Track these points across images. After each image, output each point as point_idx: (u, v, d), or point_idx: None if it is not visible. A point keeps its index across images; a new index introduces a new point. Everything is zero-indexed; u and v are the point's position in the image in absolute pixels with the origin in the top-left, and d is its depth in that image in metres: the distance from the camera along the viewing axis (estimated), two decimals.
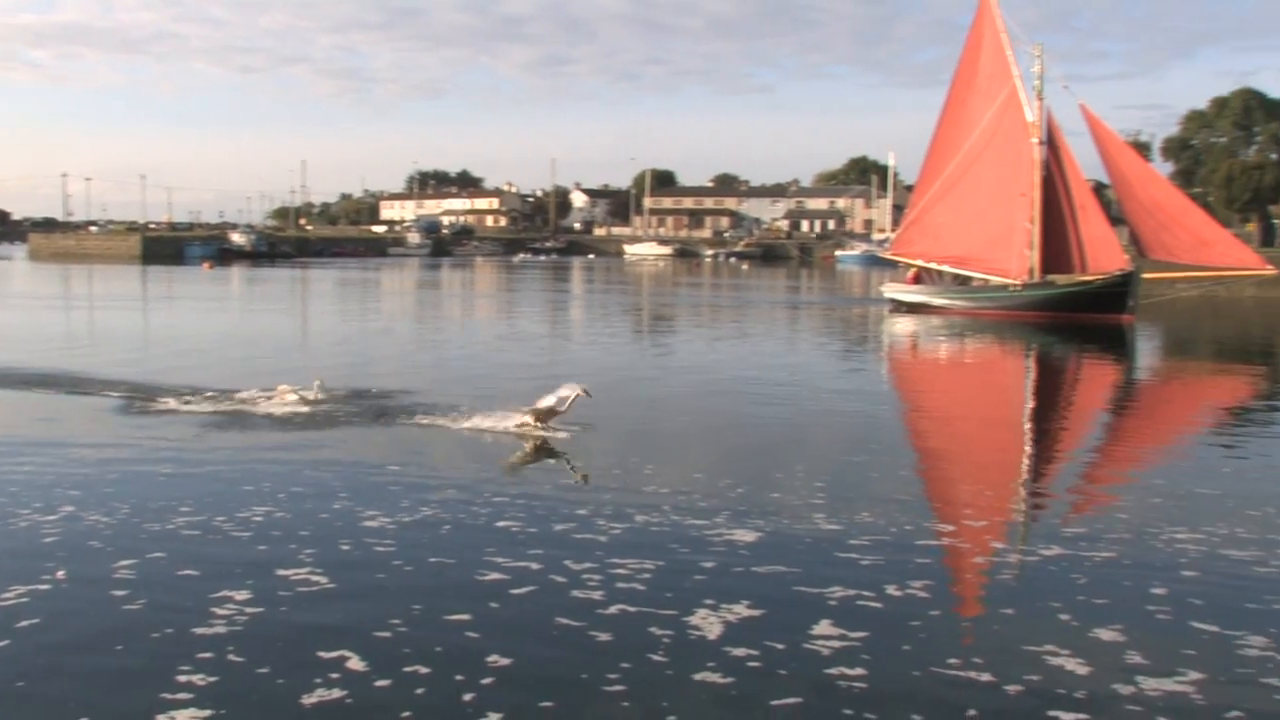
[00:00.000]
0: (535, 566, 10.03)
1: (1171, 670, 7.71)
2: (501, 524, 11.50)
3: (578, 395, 15.42)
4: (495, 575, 9.78)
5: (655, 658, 7.93)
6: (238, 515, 11.66)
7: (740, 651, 8.02)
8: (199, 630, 8.35)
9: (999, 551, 10.99)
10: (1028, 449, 17.28)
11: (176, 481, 13.26)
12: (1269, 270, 43.54)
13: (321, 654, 7.92)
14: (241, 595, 9.11)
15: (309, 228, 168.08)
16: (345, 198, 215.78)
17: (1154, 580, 9.72)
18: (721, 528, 11.37)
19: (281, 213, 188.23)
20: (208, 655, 7.87)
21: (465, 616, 8.72)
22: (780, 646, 8.11)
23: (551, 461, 14.77)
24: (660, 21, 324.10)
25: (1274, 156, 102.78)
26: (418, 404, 18.62)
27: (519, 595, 9.29)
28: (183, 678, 7.48)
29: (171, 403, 18.53)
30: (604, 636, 8.34)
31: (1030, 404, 23.09)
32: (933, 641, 8.32)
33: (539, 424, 15.94)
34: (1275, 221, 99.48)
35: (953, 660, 7.89)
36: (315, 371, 20.31)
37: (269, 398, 18.51)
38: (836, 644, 8.18)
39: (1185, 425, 20.64)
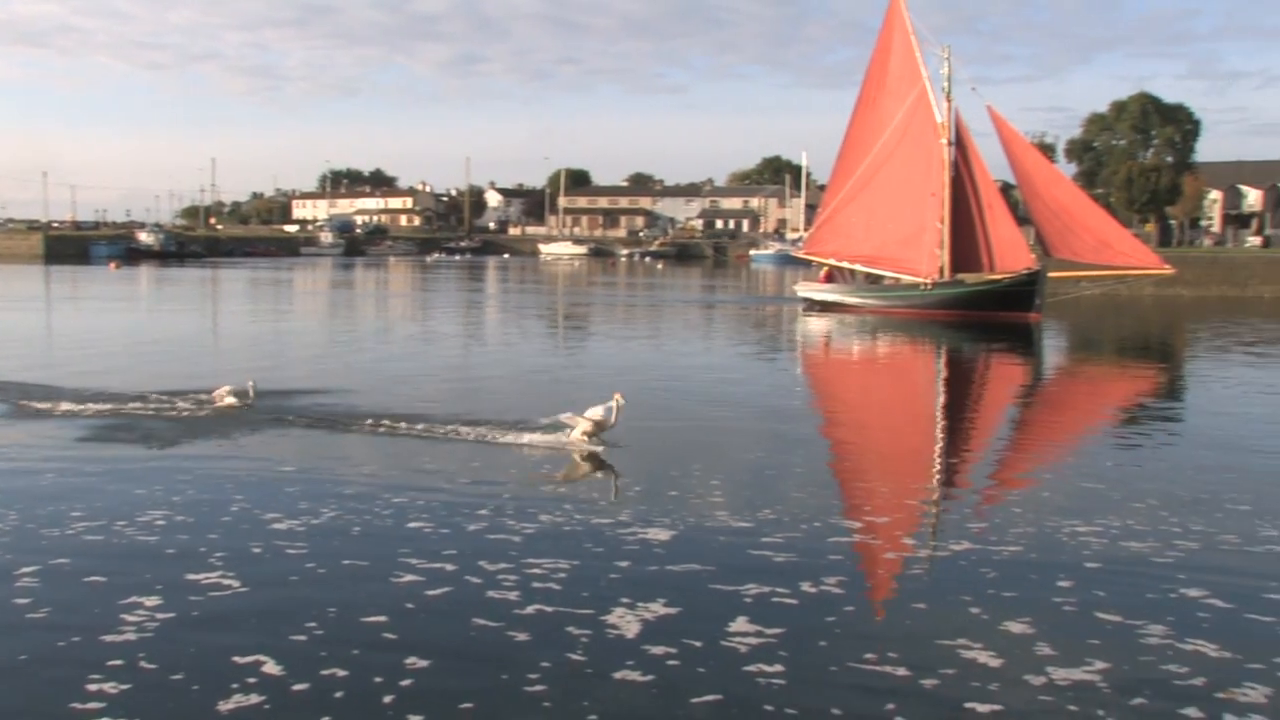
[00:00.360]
0: (450, 568, 9.99)
1: (1079, 660, 7.92)
2: (413, 525, 11.45)
3: (620, 405, 14.91)
4: (410, 577, 9.73)
5: (575, 657, 7.95)
6: (140, 520, 11.46)
7: (659, 649, 8.07)
8: (108, 638, 8.19)
9: (909, 547, 11.18)
10: (937, 446, 17.57)
11: (78, 487, 12.96)
12: (1167, 270, 44.91)
13: (236, 659, 7.81)
14: (151, 601, 8.95)
15: (219, 227, 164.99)
16: (257, 197, 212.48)
17: (1059, 573, 9.97)
18: (635, 527, 11.42)
19: (191, 212, 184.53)
20: (118, 663, 7.72)
21: (381, 619, 8.66)
22: (698, 644, 8.18)
23: (456, 461, 14.67)
24: (573, 21, 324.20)
25: (1170, 160, 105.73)
26: (355, 408, 18.45)
27: (435, 597, 9.25)
28: (93, 686, 7.34)
29: (67, 406, 18.11)
30: (522, 636, 8.34)
31: (940, 402, 23.48)
32: (848, 636, 8.45)
33: (589, 438, 15.20)
34: (1172, 222, 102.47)
35: (869, 655, 8.02)
36: (228, 374, 20.01)
37: (199, 402, 18.30)
38: (754, 640, 8.26)
39: (1087, 422, 21.15)
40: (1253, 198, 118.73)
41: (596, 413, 15.03)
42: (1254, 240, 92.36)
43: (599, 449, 15.00)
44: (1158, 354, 35.12)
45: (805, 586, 9.51)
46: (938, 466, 15.81)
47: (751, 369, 27.33)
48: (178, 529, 11.19)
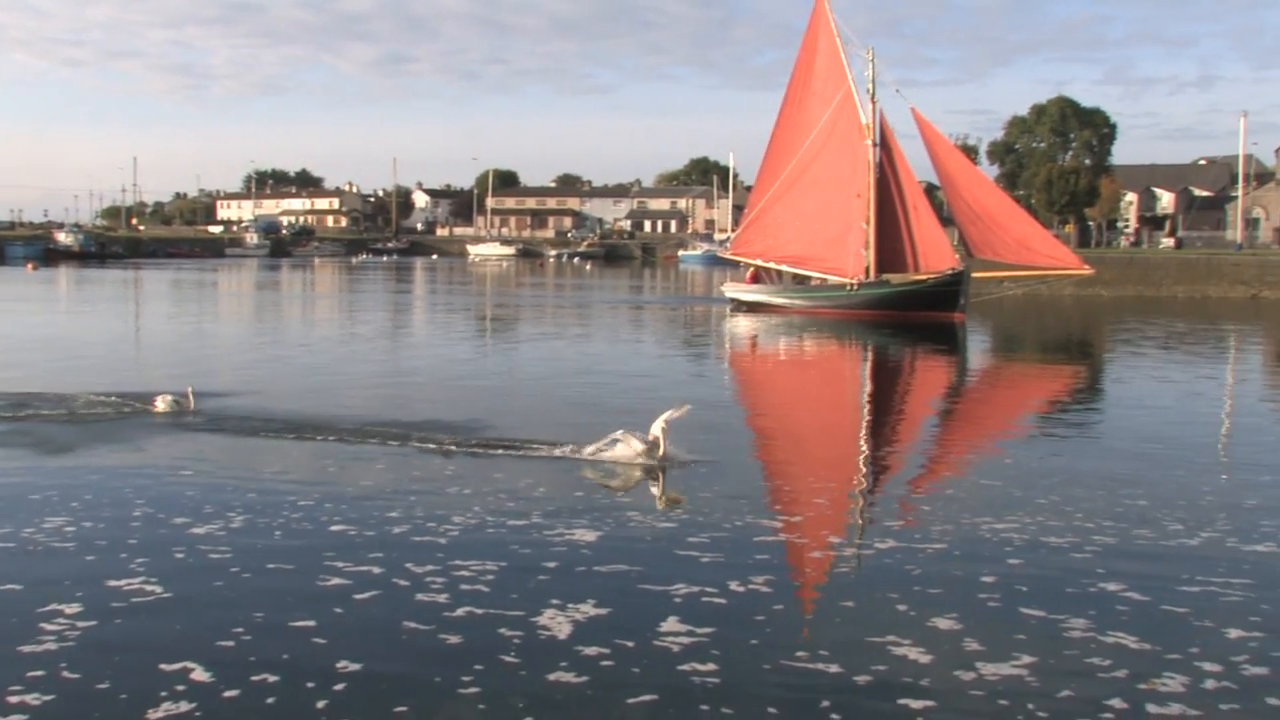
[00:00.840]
0: (377, 571, 9.93)
1: (1006, 655, 8.07)
2: (336, 529, 11.36)
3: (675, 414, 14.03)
4: (337, 580, 9.66)
5: (507, 659, 7.95)
6: (55, 527, 11.23)
7: (592, 650, 8.09)
8: (27, 648, 8.01)
9: (835, 546, 11.29)
10: (862, 445, 17.78)
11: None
12: (1087, 270, 45.92)
13: (164, 666, 7.70)
14: (71, 610, 8.78)
15: (141, 228, 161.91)
16: (180, 197, 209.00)
17: (983, 569, 10.15)
18: (561, 528, 11.43)
19: (112, 212, 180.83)
20: (39, 674, 7.56)
21: (310, 623, 8.58)
22: (630, 644, 8.22)
23: (382, 465, 14.58)
24: (501, 21, 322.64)
25: (1088, 162, 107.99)
26: (282, 413, 18.25)
27: (363, 600, 9.18)
28: (14, 698, 7.18)
29: None
30: (453, 639, 8.31)
31: (866, 401, 23.76)
32: (779, 635, 8.53)
33: (650, 458, 14.07)
34: (1090, 224, 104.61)
35: (800, 653, 8.11)
36: (155, 380, 19.69)
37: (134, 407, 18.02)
38: (685, 640, 8.32)
39: (1009, 420, 21.55)
40: (1166, 200, 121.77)
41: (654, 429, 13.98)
42: (1168, 242, 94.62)
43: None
44: (1077, 352, 35.88)
45: (733, 586, 9.58)
46: (862, 465, 16.00)
47: (676, 369, 27.44)
48: (96, 535, 10.99)
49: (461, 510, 12.06)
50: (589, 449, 14.61)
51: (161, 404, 17.78)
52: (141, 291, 62.44)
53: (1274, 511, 12.52)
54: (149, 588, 9.38)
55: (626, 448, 14.16)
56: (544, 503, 12.48)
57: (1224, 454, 17.07)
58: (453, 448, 15.40)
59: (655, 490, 13.23)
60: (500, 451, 15.13)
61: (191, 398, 17.85)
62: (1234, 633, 8.58)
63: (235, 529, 11.29)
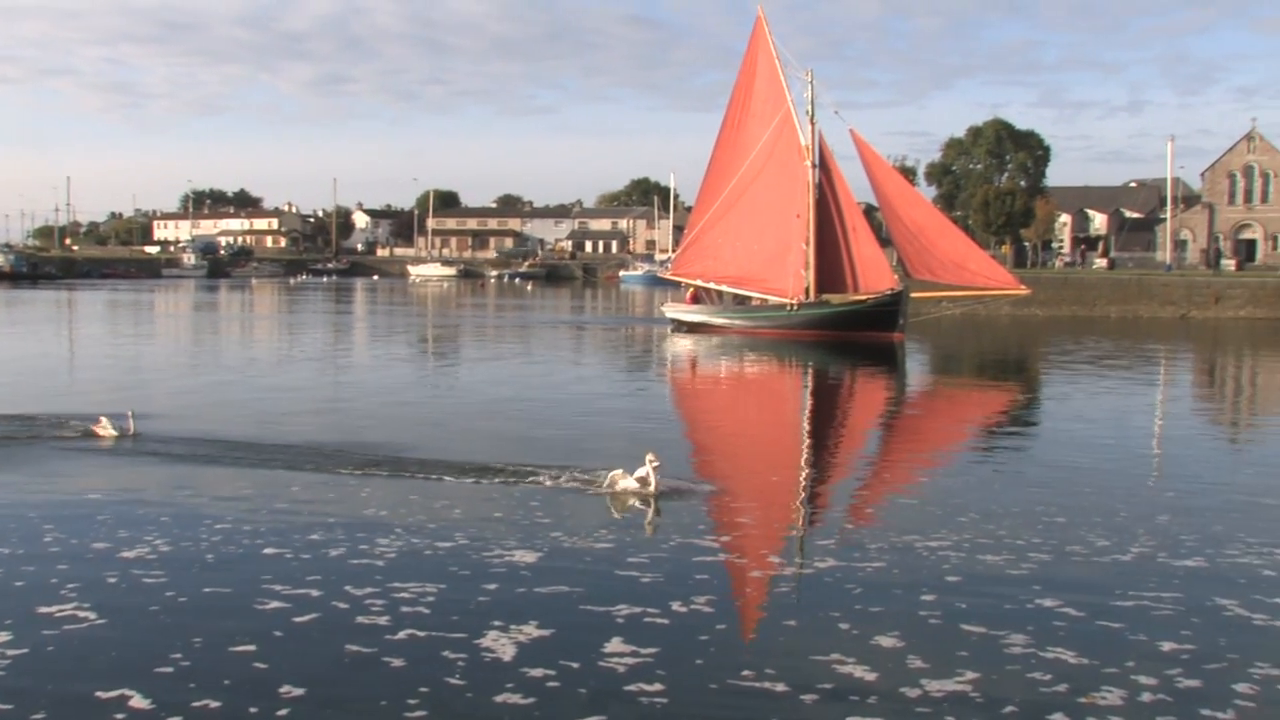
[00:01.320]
0: (315, 593, 9.86)
1: (950, 671, 8.17)
2: (271, 552, 11.29)
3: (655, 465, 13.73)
4: (275, 604, 9.57)
5: (453, 681, 7.92)
6: None
7: (537, 672, 8.08)
8: None
9: (775, 565, 11.36)
10: (802, 465, 17.88)
11: None
12: (1023, 290, 46.52)
13: (100, 694, 7.59)
14: (1, 638, 8.62)
15: (75, 248, 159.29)
16: (115, 217, 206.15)
17: (922, 587, 10.27)
18: (499, 549, 11.42)
19: (45, 232, 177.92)
20: None
21: (250, 647, 8.50)
22: (575, 665, 8.22)
23: (318, 489, 14.45)
24: (442, 41, 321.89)
25: (1023, 184, 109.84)
26: (221, 437, 18.03)
27: (304, 623, 9.11)
28: None
29: None
30: (397, 662, 8.27)
31: (806, 422, 23.92)
32: (724, 655, 8.57)
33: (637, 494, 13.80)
34: (1026, 244, 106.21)
35: (746, 672, 8.15)
36: (89, 403, 19.36)
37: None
38: (630, 660, 8.33)
39: (946, 439, 21.81)
40: (1099, 221, 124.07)
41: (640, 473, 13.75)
42: (1101, 262, 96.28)
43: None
44: (1014, 372, 36.42)
45: (675, 606, 9.61)
46: (801, 485, 16.08)
47: (615, 390, 27.44)
48: (24, 561, 10.81)
49: (398, 533, 12.01)
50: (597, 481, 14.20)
51: (102, 428, 17.51)
52: (76, 312, 61.42)
53: (1201, 527, 12.79)
54: (82, 614, 9.24)
55: (624, 482, 13.87)
56: (480, 525, 12.43)
57: (1156, 472, 17.39)
58: (389, 472, 15.30)
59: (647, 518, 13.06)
60: (447, 479, 15.03)
61: (132, 421, 17.56)
62: (1167, 646, 8.76)
63: (167, 553, 11.16)
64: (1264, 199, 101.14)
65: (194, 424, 19.13)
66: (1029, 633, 9.02)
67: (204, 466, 15.74)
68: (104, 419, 17.67)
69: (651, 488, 13.54)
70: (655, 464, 13.55)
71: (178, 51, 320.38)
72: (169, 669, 8.06)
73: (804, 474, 16.99)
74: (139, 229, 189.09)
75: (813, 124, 45.55)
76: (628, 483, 13.76)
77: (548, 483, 14.46)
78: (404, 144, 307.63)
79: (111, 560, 10.87)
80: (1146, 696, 7.78)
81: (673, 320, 48.45)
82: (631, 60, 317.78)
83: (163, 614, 9.33)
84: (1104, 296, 65.20)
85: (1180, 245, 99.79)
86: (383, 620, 9.17)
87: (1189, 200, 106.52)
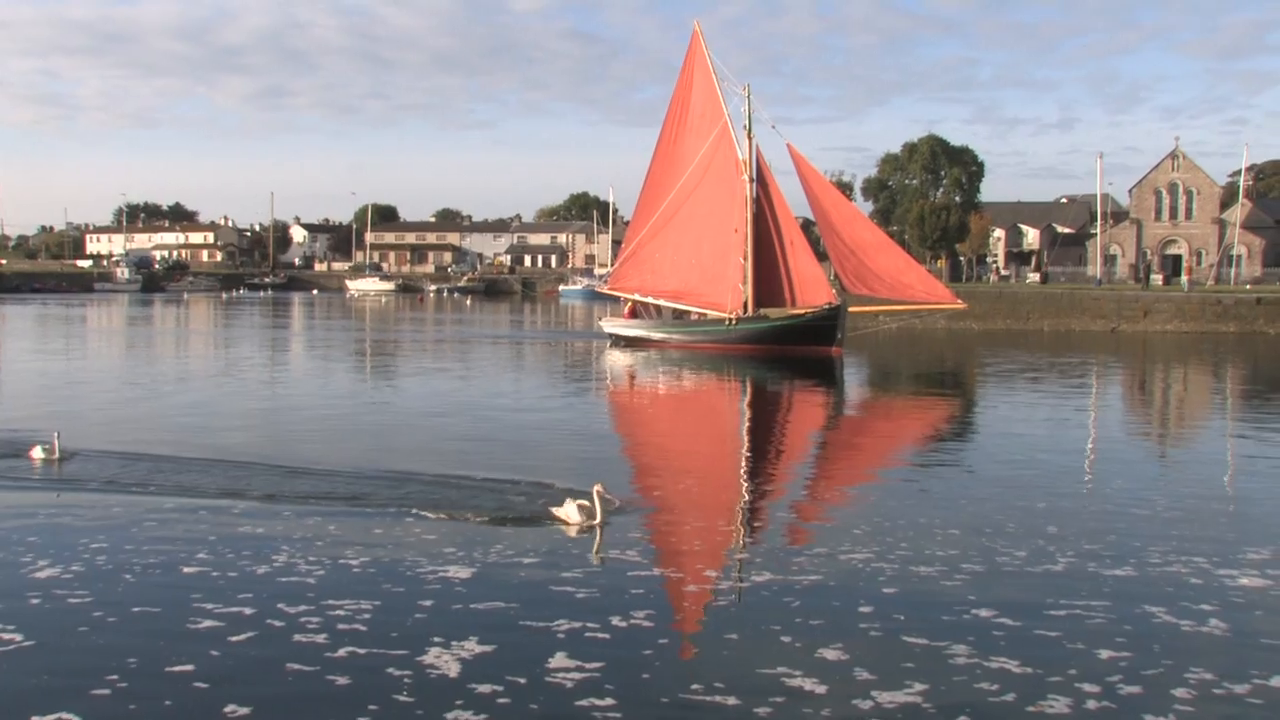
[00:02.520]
0: (249, 611, 9.73)
1: (898, 683, 8.22)
2: (199, 570, 11.13)
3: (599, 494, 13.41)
4: (209, 622, 9.43)
5: (401, 699, 7.86)
6: None
7: (485, 688, 8.03)
8: None
9: (712, 579, 11.34)
10: (740, 479, 17.90)
11: None
12: (960, 305, 46.95)
13: (37, 718, 7.40)
14: None
15: (2, 262, 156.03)
16: (45, 230, 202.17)
17: (860, 599, 10.33)
18: (432, 565, 11.35)
19: None
20: None
21: (189, 667, 8.36)
22: (522, 680, 8.18)
23: (253, 504, 14.26)
24: (382, 55, 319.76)
25: (958, 199, 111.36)
26: (152, 456, 17.71)
27: (240, 642, 8.98)
28: None
29: None
30: (342, 680, 8.18)
31: (744, 436, 23.98)
32: (670, 668, 8.57)
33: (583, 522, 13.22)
34: (961, 259, 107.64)
35: (695, 685, 8.15)
36: (17, 423, 18.92)
37: None
38: (577, 675, 8.30)
39: (882, 453, 21.94)
40: (1031, 236, 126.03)
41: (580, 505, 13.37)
42: (1033, 277, 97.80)
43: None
44: (950, 385, 36.81)
45: (615, 621, 9.58)
46: (738, 499, 16.10)
47: (551, 405, 27.37)
48: None
49: (327, 550, 11.89)
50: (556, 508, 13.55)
51: (34, 452, 16.90)
52: (2, 328, 60.12)
53: (1131, 535, 13.00)
54: (6, 635, 9.02)
55: (571, 511, 13.24)
56: (412, 540, 12.32)
57: (1087, 481, 17.64)
58: (317, 490, 15.14)
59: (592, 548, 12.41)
60: (380, 493, 14.89)
61: (57, 444, 16.98)
62: (1105, 654, 8.88)
63: (81, 574, 10.93)
64: (1188, 215, 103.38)
65: (122, 443, 18.76)
66: (969, 643, 9.10)
67: (130, 487, 15.40)
68: (36, 444, 17.11)
69: (597, 519, 13.12)
70: (603, 494, 13.26)
71: (112, 64, 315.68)
72: (105, 690, 7.91)
73: (741, 488, 17.00)
74: (70, 243, 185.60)
75: (750, 138, 45.62)
76: (569, 510, 13.28)
77: (486, 502, 14.38)
78: (343, 158, 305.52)
79: (32, 582, 10.62)
80: (1092, 704, 7.90)
81: (610, 335, 48.26)
82: (571, 75, 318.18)
83: (92, 634, 9.14)
84: (1037, 310, 66.23)
85: (1110, 260, 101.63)
86: (320, 638, 9.06)
87: (1118, 216, 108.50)
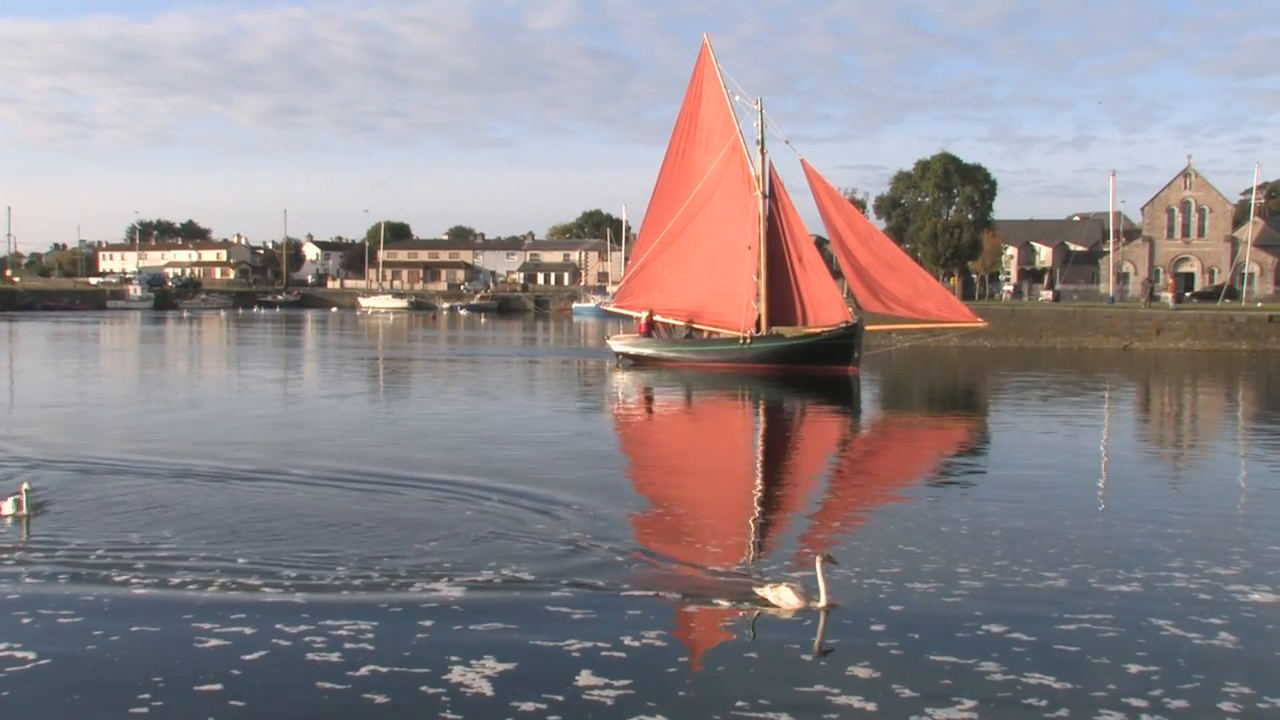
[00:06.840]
0: (249, 631, 9.76)
1: (946, 700, 8.25)
2: (185, 595, 11.06)
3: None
4: (215, 642, 9.46)
5: (447, 716, 7.94)
6: None
7: (528, 706, 8.07)
8: None
9: (731, 598, 11.20)
10: (754, 502, 17.68)
11: None
12: (980, 323, 45.95)
13: None
14: None
15: (16, 280, 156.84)
16: (59, 248, 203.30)
17: (870, 618, 10.36)
18: (421, 583, 11.37)
19: None
20: None
21: (220, 686, 8.39)
22: (560, 699, 8.23)
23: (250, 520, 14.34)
24: (399, 74, 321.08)
25: (970, 217, 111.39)
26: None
27: (251, 660, 9.03)
28: None
29: None
30: (380, 699, 8.24)
31: (759, 457, 23.88)
32: (707, 686, 8.63)
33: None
34: (974, 276, 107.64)
35: (740, 703, 8.21)
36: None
37: None
38: (612, 693, 8.34)
39: (899, 473, 21.92)
40: (1044, 254, 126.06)
41: None
42: (1046, 295, 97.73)
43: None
44: (965, 404, 36.75)
45: (627, 640, 9.59)
46: (752, 521, 15.99)
47: (559, 424, 27.22)
48: None
49: (307, 569, 11.90)
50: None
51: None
52: (15, 346, 60.36)
53: (1150, 553, 13.00)
54: (18, 654, 9.08)
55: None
56: (402, 563, 12.26)
57: (1103, 500, 17.65)
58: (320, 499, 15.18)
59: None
60: (379, 509, 14.90)
61: (25, 500, 14.27)
62: (1134, 669, 8.89)
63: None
64: (1200, 234, 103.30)
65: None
66: (998, 661, 9.13)
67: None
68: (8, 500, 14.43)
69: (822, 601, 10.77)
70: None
71: (128, 82, 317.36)
72: (143, 710, 7.95)
73: (755, 510, 16.85)
74: (84, 260, 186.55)
75: (763, 153, 44.93)
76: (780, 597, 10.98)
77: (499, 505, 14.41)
78: (358, 175, 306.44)
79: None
80: (1145, 719, 8.00)
81: (618, 353, 46.96)
82: (587, 93, 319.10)
83: (112, 657, 9.21)
84: (1050, 328, 66.10)
85: (1122, 278, 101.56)
86: (333, 657, 9.09)
87: (1130, 234, 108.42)
